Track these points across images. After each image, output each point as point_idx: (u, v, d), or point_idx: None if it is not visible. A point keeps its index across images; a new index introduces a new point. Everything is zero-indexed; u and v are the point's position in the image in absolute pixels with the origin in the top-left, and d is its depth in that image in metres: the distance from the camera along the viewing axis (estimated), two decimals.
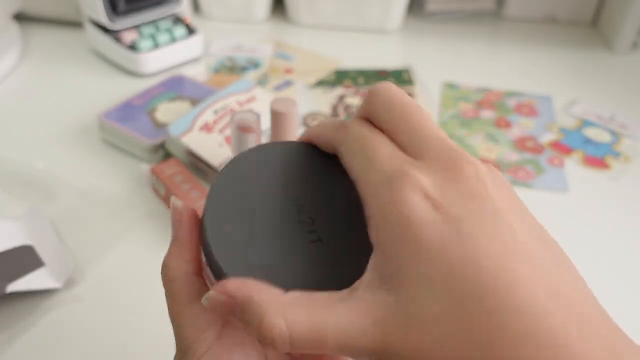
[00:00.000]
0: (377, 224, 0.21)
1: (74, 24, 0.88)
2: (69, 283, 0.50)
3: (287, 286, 0.23)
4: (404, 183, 0.21)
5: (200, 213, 0.26)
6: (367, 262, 0.22)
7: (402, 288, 0.20)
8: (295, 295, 0.22)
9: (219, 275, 0.24)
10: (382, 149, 0.23)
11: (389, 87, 0.24)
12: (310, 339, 0.21)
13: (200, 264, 0.26)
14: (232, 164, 0.26)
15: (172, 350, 0.26)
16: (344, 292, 0.22)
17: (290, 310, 0.21)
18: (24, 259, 0.50)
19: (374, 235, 0.22)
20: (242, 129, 0.53)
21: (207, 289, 0.24)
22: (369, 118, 0.24)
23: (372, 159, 0.23)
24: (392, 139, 0.23)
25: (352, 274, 0.23)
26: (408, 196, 0.20)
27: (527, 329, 0.18)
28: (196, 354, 0.24)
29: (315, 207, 0.25)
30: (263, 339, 0.21)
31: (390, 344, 0.20)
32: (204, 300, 0.23)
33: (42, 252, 0.51)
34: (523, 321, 0.18)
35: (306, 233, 0.25)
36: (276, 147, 0.27)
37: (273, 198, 0.25)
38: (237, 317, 0.22)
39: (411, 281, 0.20)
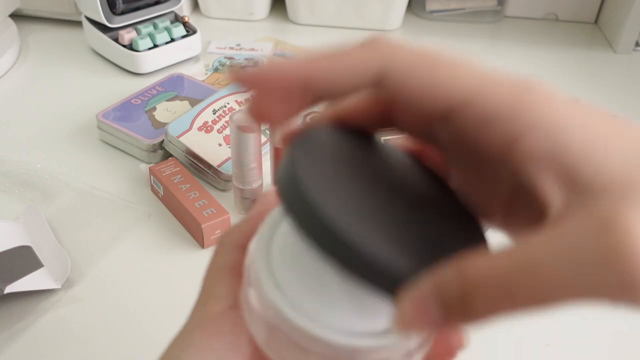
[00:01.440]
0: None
1: (72, 23, 0.87)
2: (68, 283, 0.49)
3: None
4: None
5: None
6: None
7: None
8: None
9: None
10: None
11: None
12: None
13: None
14: (303, 142, 0.21)
15: None
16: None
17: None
18: (23, 259, 0.49)
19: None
20: (241, 129, 0.52)
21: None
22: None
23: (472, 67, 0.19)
24: None
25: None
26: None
27: None
28: (212, 309, 0.23)
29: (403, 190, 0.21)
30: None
31: None
32: None
33: (41, 252, 0.51)
34: None
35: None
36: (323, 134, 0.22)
37: (361, 179, 0.20)
38: None
39: None
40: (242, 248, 0.24)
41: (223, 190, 0.59)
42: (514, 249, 0.16)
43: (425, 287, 0.17)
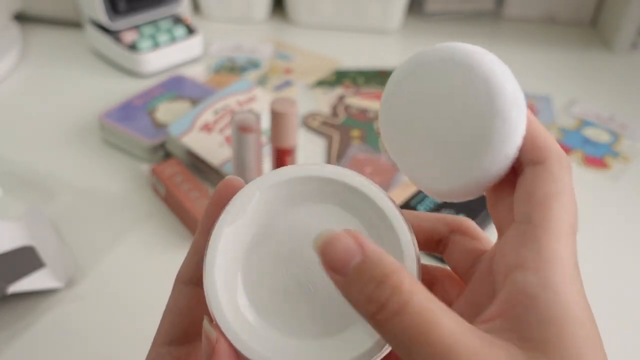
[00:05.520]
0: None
1: (74, 24, 0.88)
2: (70, 282, 0.50)
3: None
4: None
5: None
6: None
7: None
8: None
9: None
10: None
11: None
12: (420, 323, 0.19)
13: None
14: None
15: None
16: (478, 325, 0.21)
17: (420, 292, 0.19)
18: (25, 260, 0.50)
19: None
20: (242, 129, 0.53)
21: None
22: None
23: None
24: None
25: None
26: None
27: None
28: (155, 348, 0.26)
29: None
30: (378, 282, 0.19)
31: None
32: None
33: (43, 252, 0.51)
34: None
35: None
36: None
37: None
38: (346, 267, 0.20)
39: None
40: (187, 282, 0.26)
41: None
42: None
43: None
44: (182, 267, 0.26)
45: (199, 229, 0.26)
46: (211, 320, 0.23)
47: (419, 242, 0.25)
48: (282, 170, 0.24)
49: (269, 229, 0.25)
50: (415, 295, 0.19)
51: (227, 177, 0.25)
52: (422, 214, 0.27)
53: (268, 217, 0.25)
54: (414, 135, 0.24)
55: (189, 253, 0.26)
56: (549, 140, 0.23)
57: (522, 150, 0.22)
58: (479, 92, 0.22)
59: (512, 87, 0.22)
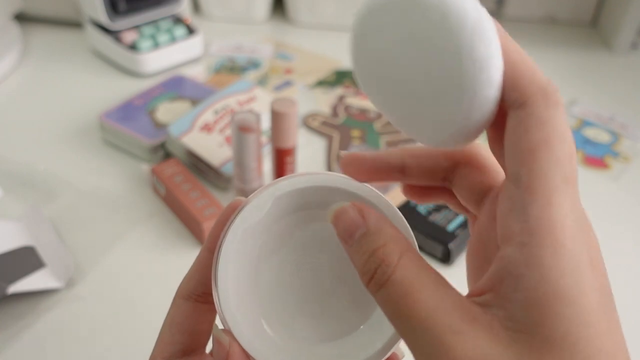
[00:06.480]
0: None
1: (75, 24, 0.88)
2: (70, 282, 0.50)
3: None
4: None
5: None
6: None
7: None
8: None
9: None
10: None
11: None
12: (400, 296, 0.19)
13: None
14: None
15: None
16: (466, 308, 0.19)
17: (407, 266, 0.20)
18: (26, 260, 0.50)
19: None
20: (243, 129, 0.53)
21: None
22: None
23: None
24: None
25: None
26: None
27: None
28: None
29: None
30: (370, 253, 0.20)
31: None
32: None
33: (43, 252, 0.51)
34: None
35: None
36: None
37: None
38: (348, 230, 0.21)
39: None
40: (188, 297, 0.26)
41: (224, 190, 0.60)
42: None
43: None
44: (183, 282, 0.26)
45: (205, 246, 0.26)
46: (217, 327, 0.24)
47: (423, 182, 0.25)
48: (291, 179, 0.24)
49: (279, 237, 0.25)
50: (399, 269, 0.20)
51: (236, 198, 0.25)
52: (422, 152, 0.25)
53: (278, 226, 0.25)
54: (391, 87, 0.22)
55: (191, 269, 0.26)
56: (530, 74, 0.20)
57: (503, 89, 0.20)
58: (437, 30, 0.19)
59: (474, 16, 0.19)
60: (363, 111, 0.73)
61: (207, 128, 0.62)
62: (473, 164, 0.24)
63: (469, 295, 0.20)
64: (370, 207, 0.22)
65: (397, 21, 0.20)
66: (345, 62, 0.83)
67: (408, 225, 0.24)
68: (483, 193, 0.23)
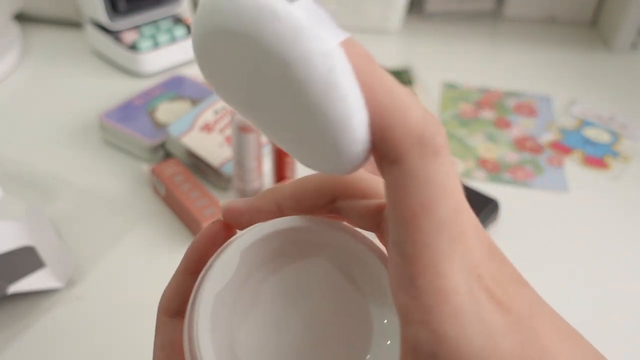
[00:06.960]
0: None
1: (75, 24, 0.88)
2: (70, 282, 0.50)
3: None
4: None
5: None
6: None
7: None
8: None
9: None
10: None
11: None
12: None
13: None
14: None
15: None
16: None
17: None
18: (26, 260, 0.50)
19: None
20: (243, 129, 0.53)
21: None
22: None
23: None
24: None
25: None
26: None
27: None
28: None
29: None
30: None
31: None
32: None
33: (43, 252, 0.51)
34: None
35: None
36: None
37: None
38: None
39: None
40: (173, 315, 0.25)
41: (224, 190, 0.60)
42: None
43: None
44: (164, 300, 0.25)
45: (181, 268, 0.25)
46: None
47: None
48: (258, 227, 0.23)
49: (254, 295, 0.23)
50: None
51: (213, 222, 0.24)
52: (295, 192, 0.23)
53: (252, 282, 0.23)
54: (256, 111, 0.19)
55: (170, 286, 0.25)
56: (401, 121, 0.17)
57: (372, 142, 0.18)
58: (284, 82, 0.16)
59: (323, 68, 0.16)
60: None
61: (207, 128, 0.62)
62: (354, 194, 0.22)
63: None
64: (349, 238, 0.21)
65: (237, 55, 0.17)
66: None
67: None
68: (377, 214, 0.22)
